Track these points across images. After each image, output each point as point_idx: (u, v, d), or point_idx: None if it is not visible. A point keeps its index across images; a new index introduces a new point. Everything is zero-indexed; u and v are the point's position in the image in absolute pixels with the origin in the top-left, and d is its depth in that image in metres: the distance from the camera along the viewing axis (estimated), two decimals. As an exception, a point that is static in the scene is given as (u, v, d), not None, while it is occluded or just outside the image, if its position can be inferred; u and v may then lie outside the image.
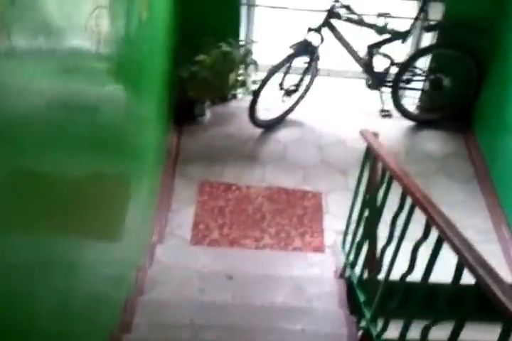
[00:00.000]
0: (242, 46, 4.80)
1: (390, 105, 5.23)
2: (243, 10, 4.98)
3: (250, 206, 4.29)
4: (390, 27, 4.77)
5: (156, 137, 3.97)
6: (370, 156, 3.30)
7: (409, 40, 5.02)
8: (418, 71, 5.09)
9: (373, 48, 4.91)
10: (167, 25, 4.15)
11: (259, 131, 4.97)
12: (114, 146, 2.64)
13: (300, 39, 4.70)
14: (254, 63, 4.78)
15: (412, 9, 5.28)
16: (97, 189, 2.35)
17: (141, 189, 3.46)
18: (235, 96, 4.99)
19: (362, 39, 4.96)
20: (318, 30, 4.69)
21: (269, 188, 4.45)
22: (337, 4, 4.61)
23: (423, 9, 4.76)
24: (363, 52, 4.95)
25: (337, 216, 4.25)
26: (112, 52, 2.44)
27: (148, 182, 3.72)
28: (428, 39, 5.19)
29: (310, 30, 4.69)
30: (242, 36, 5.09)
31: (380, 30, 4.78)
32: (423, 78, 5.13)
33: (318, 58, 4.88)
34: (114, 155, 2.70)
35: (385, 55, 4.96)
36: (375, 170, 3.27)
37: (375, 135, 3.40)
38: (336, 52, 5.06)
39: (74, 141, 1.95)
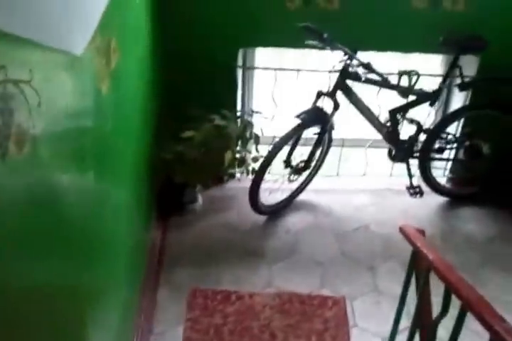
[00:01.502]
0: (239, 118, 3.93)
1: (418, 179, 4.36)
2: (239, 74, 4.16)
3: (255, 322, 3.32)
4: (416, 87, 3.90)
5: (132, 233, 3.08)
6: (419, 265, 2.40)
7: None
8: (451, 138, 4.22)
9: (396, 113, 4.04)
10: (143, 96, 3.32)
11: (263, 217, 4.07)
12: (67, 246, 1.80)
13: (309, 106, 3.83)
14: (255, 138, 3.90)
15: (440, 65, 4.46)
16: (37, 308, 1.49)
17: (111, 304, 2.55)
18: (232, 176, 4.09)
19: (383, 102, 4.13)
20: (330, 94, 3.83)
21: (278, 295, 3.49)
22: (353, 62, 3.74)
23: (455, 64, 3.90)
24: (384, 118, 4.08)
25: (368, 331, 3.31)
26: (51, 133, 1.59)
27: (122, 295, 2.81)
28: (459, 99, 4.35)
29: (320, 94, 3.83)
30: (239, 106, 4.26)
31: (405, 91, 3.91)
32: (457, 146, 4.26)
33: (332, 128, 4.01)
34: (68, 259, 1.85)
35: (412, 121, 4.08)
36: (428, 290, 2.36)
37: (421, 232, 2.51)
38: (352, 118, 4.22)
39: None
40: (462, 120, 4.31)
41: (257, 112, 4.03)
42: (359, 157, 4.69)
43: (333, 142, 4.20)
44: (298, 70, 4.18)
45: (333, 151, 4.32)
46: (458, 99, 4.37)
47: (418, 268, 2.45)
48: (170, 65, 3.91)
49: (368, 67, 3.71)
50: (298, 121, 3.78)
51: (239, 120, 3.94)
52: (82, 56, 1.98)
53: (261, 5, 3.84)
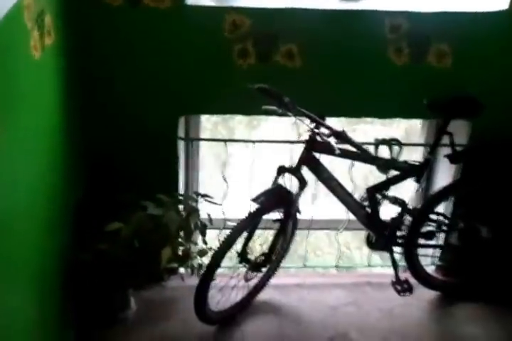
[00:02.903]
0: (181, 203, 3.11)
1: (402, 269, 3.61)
2: (181, 147, 3.39)
3: None
4: (399, 160, 3.17)
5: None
6: None
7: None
8: (442, 219, 3.48)
9: (376, 191, 3.29)
10: (52, 181, 2.57)
11: (213, 327, 3.23)
12: None
13: (268, 185, 3.05)
14: (202, 227, 3.09)
15: (421, 131, 3.76)
16: None
17: None
18: (173, 273, 3.22)
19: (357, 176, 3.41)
20: (294, 170, 3.06)
21: None
22: (322, 131, 2.99)
23: (445, 131, 3.19)
24: (360, 197, 3.33)
25: None
26: None
27: None
28: (446, 171, 3.63)
29: (282, 171, 3.06)
30: (181, 187, 3.47)
31: (386, 165, 3.18)
32: (450, 229, 3.53)
33: (297, 211, 3.22)
34: None
35: (395, 200, 3.32)
36: None
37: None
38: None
39: None
40: (454, 198, 3.57)
41: (203, 195, 3.22)
42: (329, 240, 3.92)
43: (298, 224, 3.39)
44: (253, 142, 3.43)
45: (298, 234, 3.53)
46: (445, 172, 3.66)
47: None
48: (93, 138, 3.16)
49: (341, 136, 2.94)
50: (255, 205, 3.00)
51: (181, 206, 3.12)
52: None
53: (204, 63, 3.13)
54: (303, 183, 3.09)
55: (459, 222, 3.52)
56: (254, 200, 2.99)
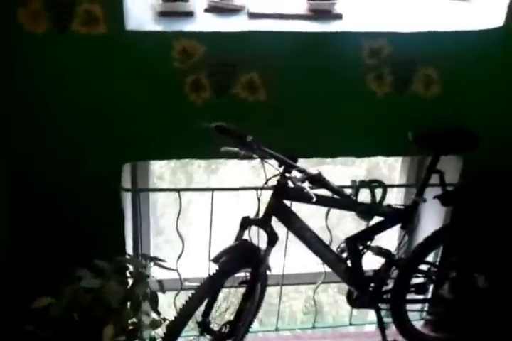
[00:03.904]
0: (125, 269, 2.60)
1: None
2: (127, 200, 2.90)
3: None
4: (383, 204, 2.76)
5: None
6: None
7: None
8: (433, 269, 3.08)
9: (357, 242, 2.85)
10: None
11: None
12: None
13: (231, 241, 2.57)
14: (152, 297, 2.57)
15: (401, 170, 3.35)
16: None
17: None
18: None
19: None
20: (262, 222, 2.56)
21: None
22: (294, 175, 2.52)
23: (434, 169, 2.80)
24: (339, 248, 2.87)
25: None
26: None
27: None
28: (435, 214, 3.23)
29: (247, 223, 2.58)
30: (128, 248, 2.98)
31: (369, 211, 2.76)
32: (440, 279, 3.10)
33: (267, 269, 2.74)
34: None
35: (379, 251, 2.89)
36: None
37: None
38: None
39: None
40: (444, 244, 3.18)
41: (153, 259, 2.70)
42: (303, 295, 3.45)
43: (268, 280, 2.90)
44: (211, 190, 2.94)
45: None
46: (433, 215, 3.26)
47: None
48: (18, 193, 2.66)
49: (317, 180, 2.46)
50: (216, 267, 2.51)
51: (128, 271, 2.61)
52: None
53: (151, 99, 2.68)
54: (273, 238, 2.60)
55: (452, 271, 3.11)
56: (214, 261, 2.52)
